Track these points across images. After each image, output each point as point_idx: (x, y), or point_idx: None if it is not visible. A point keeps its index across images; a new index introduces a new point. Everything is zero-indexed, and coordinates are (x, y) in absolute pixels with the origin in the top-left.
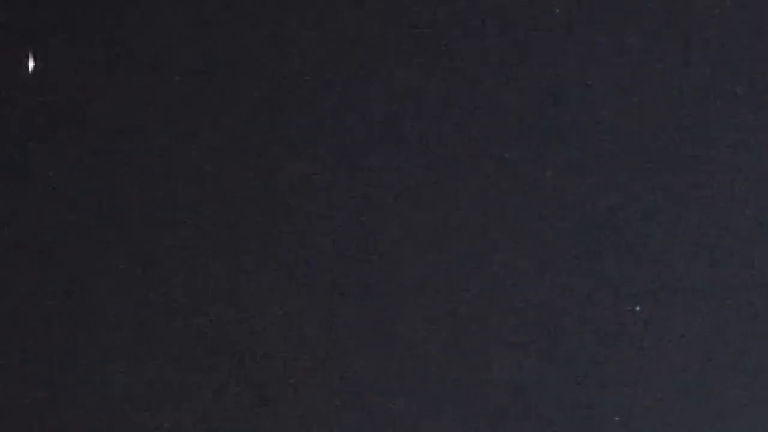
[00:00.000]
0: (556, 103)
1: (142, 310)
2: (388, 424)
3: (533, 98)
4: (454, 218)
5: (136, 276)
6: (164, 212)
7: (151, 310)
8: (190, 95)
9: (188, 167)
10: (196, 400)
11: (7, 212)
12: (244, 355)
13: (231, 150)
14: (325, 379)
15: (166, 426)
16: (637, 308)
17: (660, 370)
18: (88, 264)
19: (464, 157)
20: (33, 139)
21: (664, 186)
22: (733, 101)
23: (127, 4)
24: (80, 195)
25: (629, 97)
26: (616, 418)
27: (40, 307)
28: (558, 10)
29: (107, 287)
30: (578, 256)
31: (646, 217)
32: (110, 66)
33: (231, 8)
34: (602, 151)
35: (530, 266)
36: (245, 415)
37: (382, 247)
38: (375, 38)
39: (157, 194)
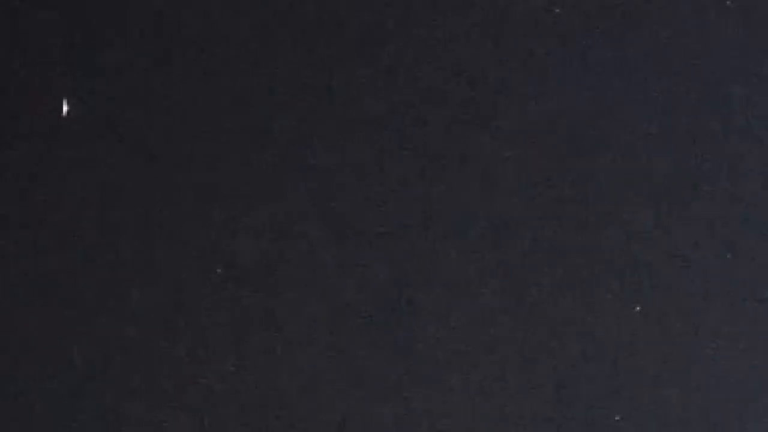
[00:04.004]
0: (557, 103)
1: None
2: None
3: (532, 97)
4: (453, 216)
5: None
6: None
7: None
8: (225, 141)
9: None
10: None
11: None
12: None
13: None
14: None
15: (166, 426)
16: (637, 308)
17: (660, 370)
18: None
19: (463, 156)
20: (70, 180)
21: (665, 185)
22: (733, 101)
23: (162, 47)
24: (112, 237)
25: (631, 95)
26: (616, 418)
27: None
28: (558, 10)
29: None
30: (578, 256)
31: (647, 217)
32: (145, 108)
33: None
34: (603, 150)
35: (530, 266)
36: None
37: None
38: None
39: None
